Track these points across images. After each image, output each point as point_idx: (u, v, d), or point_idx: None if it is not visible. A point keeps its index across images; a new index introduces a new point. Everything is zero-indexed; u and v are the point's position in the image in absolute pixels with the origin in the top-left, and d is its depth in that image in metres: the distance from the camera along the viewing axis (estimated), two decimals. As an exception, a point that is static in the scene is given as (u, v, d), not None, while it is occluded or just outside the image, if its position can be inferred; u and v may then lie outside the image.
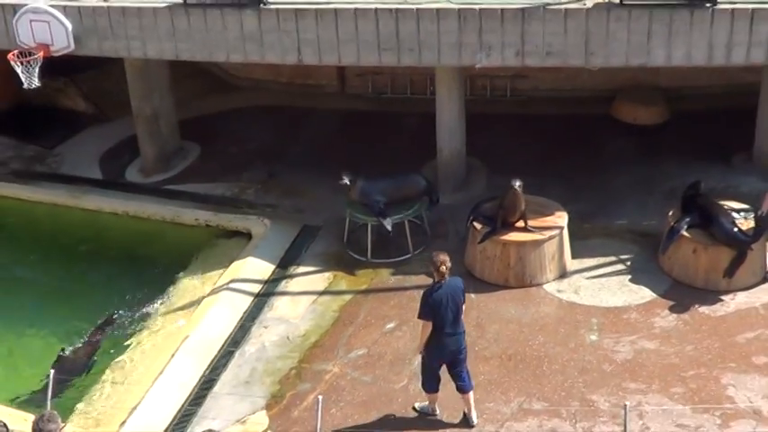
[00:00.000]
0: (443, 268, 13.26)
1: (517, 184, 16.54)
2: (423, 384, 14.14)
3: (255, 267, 17.91)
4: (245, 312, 16.86)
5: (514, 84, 23.69)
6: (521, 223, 17.01)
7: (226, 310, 16.80)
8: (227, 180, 21.15)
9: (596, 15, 16.74)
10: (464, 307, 13.62)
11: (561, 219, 17.33)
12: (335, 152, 21.47)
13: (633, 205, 19.08)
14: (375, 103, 24.16)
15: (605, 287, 16.85)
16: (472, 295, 16.60)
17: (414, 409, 14.38)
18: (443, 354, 13.65)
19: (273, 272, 17.91)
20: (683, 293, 16.50)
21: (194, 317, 16.71)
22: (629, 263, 17.41)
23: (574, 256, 17.48)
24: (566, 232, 17.21)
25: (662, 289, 16.67)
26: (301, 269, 17.97)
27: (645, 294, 16.59)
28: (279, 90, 24.92)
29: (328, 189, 19.31)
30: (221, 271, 17.97)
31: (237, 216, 19.68)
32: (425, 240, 18.32)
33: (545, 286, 16.90)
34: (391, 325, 16.29)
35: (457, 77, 18.96)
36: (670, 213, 17.20)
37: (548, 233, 16.96)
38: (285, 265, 18.12)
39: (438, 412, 14.23)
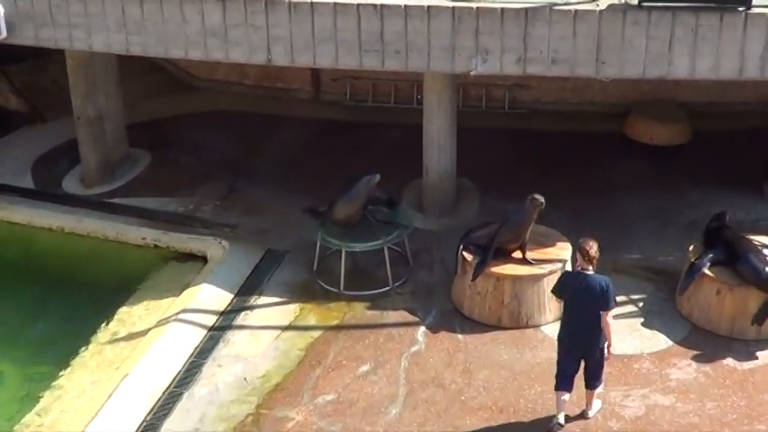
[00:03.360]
0: (583, 255, 14.08)
1: (541, 199, 16.60)
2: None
3: (211, 296, 17.79)
4: (196, 348, 16.69)
5: (514, 94, 23.89)
6: (518, 253, 16.85)
7: (174, 345, 16.64)
8: (181, 194, 21.11)
9: (610, 18, 16.68)
10: (608, 316, 14.11)
11: (564, 251, 17.25)
12: (306, 167, 21.61)
13: (647, 238, 19.15)
14: (353, 112, 24.40)
15: (613, 331, 16.62)
16: (459, 336, 16.69)
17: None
18: (568, 345, 14.41)
19: (231, 302, 17.81)
20: (705, 341, 16.45)
21: (137, 351, 16.52)
22: (641, 304, 17.37)
23: (578, 295, 17.37)
24: (569, 266, 17.03)
25: (679, 335, 16.62)
26: (263, 300, 17.87)
27: (659, 341, 16.53)
28: (244, 93, 25.16)
29: (296, 208, 19.22)
30: (171, 299, 17.88)
31: (191, 236, 19.64)
32: (407, 271, 18.26)
33: (543, 328, 16.82)
34: (365, 368, 16.14)
35: (448, 85, 18.90)
36: (690, 248, 17.21)
37: (548, 267, 16.87)
38: (245, 294, 18.01)
39: (561, 420, 14.53)
